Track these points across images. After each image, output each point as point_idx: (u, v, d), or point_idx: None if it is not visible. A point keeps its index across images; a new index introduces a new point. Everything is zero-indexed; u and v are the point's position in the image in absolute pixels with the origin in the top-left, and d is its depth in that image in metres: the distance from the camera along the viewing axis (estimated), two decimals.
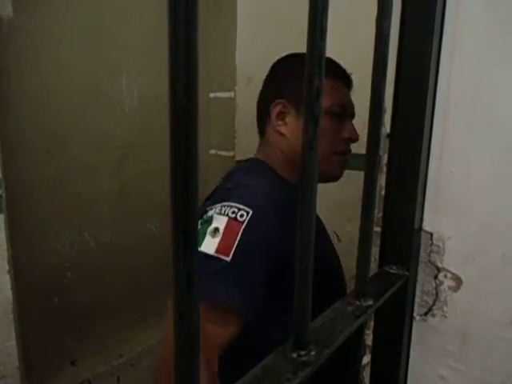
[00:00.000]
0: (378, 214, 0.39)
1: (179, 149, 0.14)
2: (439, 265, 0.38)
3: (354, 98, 0.80)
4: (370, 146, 0.29)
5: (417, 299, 0.40)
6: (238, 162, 0.71)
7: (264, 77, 2.04)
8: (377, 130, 0.29)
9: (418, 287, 0.40)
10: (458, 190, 0.37)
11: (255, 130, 2.11)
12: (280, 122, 0.75)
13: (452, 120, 0.36)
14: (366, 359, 0.45)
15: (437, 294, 0.39)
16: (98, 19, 1.33)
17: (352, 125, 0.78)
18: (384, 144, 0.39)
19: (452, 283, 0.38)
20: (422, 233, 0.39)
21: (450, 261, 0.38)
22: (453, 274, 0.38)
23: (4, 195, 1.03)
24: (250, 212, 0.60)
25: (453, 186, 0.37)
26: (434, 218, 0.38)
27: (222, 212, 0.61)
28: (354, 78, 0.81)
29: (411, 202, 0.37)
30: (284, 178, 0.74)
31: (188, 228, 0.14)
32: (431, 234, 0.38)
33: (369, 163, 0.29)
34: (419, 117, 0.35)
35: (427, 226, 0.39)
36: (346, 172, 0.82)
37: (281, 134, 0.75)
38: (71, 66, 1.28)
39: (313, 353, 0.23)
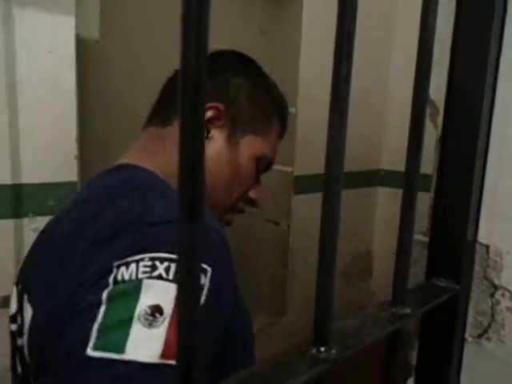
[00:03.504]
0: (425, 223, 0.37)
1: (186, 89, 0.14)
2: (496, 282, 0.35)
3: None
4: (410, 148, 0.28)
5: (470, 319, 0.37)
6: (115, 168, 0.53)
7: (327, 93, 2.02)
8: (419, 130, 0.27)
9: (472, 306, 0.36)
10: None
11: (316, 146, 2.12)
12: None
13: None
14: (411, 382, 0.41)
15: (493, 315, 0.35)
16: (175, 41, 1.43)
17: (264, 188, 0.61)
18: (435, 148, 0.37)
19: (511, 304, 0.34)
20: (477, 245, 0.35)
21: (509, 278, 0.34)
22: None
23: None
24: (209, 270, 0.36)
25: None
26: (490, 230, 0.35)
27: (162, 274, 0.34)
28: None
29: (463, 210, 0.34)
30: None
31: (194, 196, 0.15)
32: (487, 247, 0.35)
33: (408, 168, 0.28)
34: (475, 119, 0.33)
35: (482, 238, 0.35)
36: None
37: None
38: (149, 83, 1.39)
39: (333, 351, 0.22)
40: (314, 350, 0.22)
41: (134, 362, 0.31)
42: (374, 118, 2.11)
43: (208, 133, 0.53)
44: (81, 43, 1.19)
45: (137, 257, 0.35)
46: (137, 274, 0.34)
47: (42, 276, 0.45)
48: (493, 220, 0.35)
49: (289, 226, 1.85)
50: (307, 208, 1.85)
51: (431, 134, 0.38)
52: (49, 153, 1.12)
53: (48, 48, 1.10)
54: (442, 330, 0.36)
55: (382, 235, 2.14)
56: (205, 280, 0.36)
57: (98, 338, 0.32)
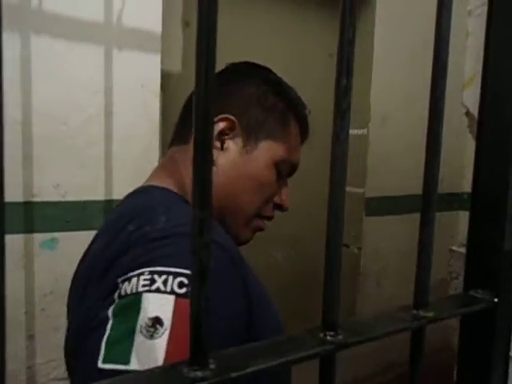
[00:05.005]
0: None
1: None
2: None
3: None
4: (428, 159, 0.29)
5: None
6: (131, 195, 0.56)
7: (399, 114, 1.98)
8: (436, 140, 0.29)
9: None
10: None
11: (388, 167, 2.08)
12: (217, 144, 0.55)
13: None
14: None
15: None
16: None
17: (288, 191, 0.61)
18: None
19: None
20: None
21: None
22: None
23: None
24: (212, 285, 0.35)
25: None
26: None
27: (160, 287, 0.37)
28: None
29: (499, 220, 0.33)
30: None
31: (204, 180, 0.19)
32: None
33: (427, 177, 0.29)
34: (508, 129, 0.33)
35: None
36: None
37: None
38: None
39: (340, 337, 0.25)
40: (321, 334, 0.25)
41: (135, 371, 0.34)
42: (457, 139, 1.99)
43: (223, 144, 0.55)
44: (165, 76, 1.34)
45: (137, 271, 0.39)
46: (137, 288, 0.38)
47: (76, 289, 0.51)
48: None
49: (359, 249, 1.81)
50: (379, 230, 1.80)
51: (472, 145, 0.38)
52: (136, 173, 1.27)
53: (140, 83, 1.27)
54: (480, 346, 0.35)
55: (461, 265, 1.97)
56: None
57: (106, 351, 0.36)
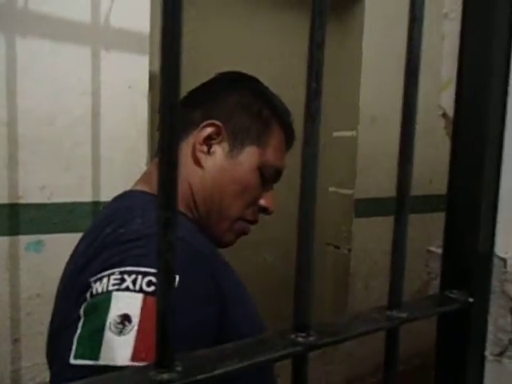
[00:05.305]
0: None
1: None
2: None
3: None
4: (401, 161, 0.30)
5: (490, 336, 0.35)
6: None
7: (388, 116, 1.98)
8: (409, 139, 0.29)
9: (491, 321, 0.35)
10: None
11: (377, 169, 2.08)
12: (204, 148, 0.58)
13: None
14: None
15: None
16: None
17: (273, 195, 0.63)
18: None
19: None
20: (495, 259, 0.35)
21: None
22: None
23: None
24: (177, 278, 0.36)
25: None
26: (508, 243, 0.34)
27: (130, 285, 0.38)
28: None
29: (474, 221, 0.34)
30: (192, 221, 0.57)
31: (168, 183, 0.19)
32: (505, 261, 0.34)
33: (400, 177, 0.29)
34: (484, 119, 0.33)
35: (500, 251, 0.34)
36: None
37: (198, 163, 0.57)
38: None
39: (312, 338, 0.25)
40: (293, 335, 0.25)
41: (108, 367, 0.35)
42: (445, 142, 2.01)
43: (210, 148, 0.58)
44: (154, 77, 1.34)
45: (108, 272, 0.40)
46: (107, 287, 0.39)
47: (61, 290, 0.52)
48: (510, 233, 0.34)
49: (349, 250, 1.82)
50: (368, 231, 1.80)
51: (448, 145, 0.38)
52: (123, 175, 1.27)
53: (128, 84, 1.27)
54: (456, 345, 0.35)
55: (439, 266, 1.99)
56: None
57: (77, 347, 0.37)
